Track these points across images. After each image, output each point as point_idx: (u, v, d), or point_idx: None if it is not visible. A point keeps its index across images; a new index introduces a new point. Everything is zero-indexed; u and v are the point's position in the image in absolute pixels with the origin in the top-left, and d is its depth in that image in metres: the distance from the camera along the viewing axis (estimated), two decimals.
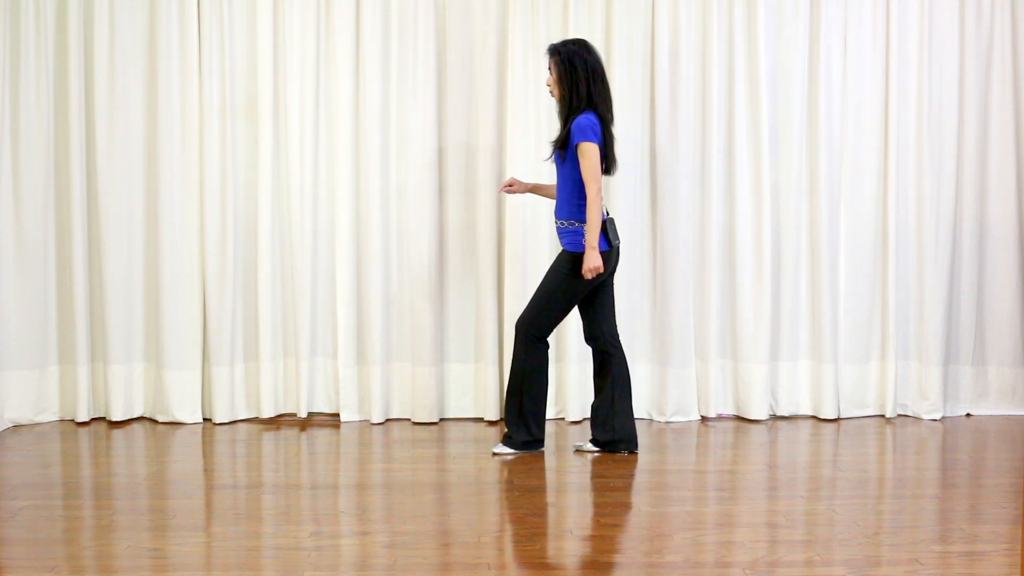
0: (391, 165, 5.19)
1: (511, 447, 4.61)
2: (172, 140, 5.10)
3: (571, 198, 4.45)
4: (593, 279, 4.42)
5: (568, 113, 4.44)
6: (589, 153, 4.35)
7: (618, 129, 5.13)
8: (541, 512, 3.84)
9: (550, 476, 4.34)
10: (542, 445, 4.66)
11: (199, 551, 3.39)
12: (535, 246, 5.18)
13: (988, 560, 3.32)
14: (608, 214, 4.51)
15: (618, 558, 3.35)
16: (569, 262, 4.45)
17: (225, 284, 5.14)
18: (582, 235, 4.40)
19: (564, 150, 4.42)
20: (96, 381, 5.20)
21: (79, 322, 5.09)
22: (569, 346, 5.17)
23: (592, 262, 4.34)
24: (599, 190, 4.34)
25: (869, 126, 5.29)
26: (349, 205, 5.16)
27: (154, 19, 5.09)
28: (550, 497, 4.05)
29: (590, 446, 4.65)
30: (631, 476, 4.30)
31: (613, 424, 4.59)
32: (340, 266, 5.17)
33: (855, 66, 5.28)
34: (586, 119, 4.37)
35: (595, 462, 4.53)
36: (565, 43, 4.49)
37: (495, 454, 4.61)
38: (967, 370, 5.42)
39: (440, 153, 5.19)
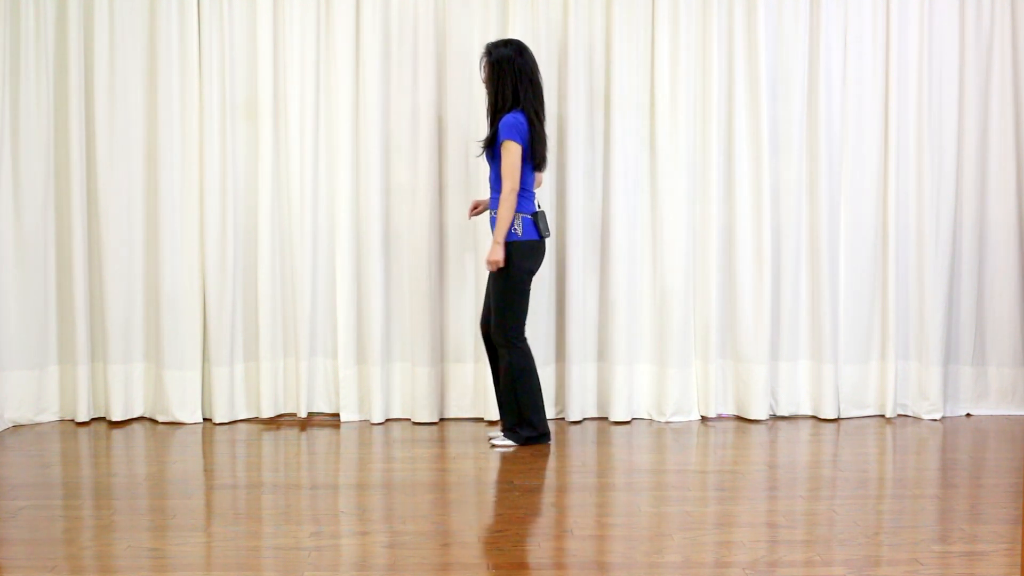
0: (391, 165, 5.19)
1: (516, 441, 4.70)
2: (172, 140, 5.10)
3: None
4: (530, 267, 4.63)
5: (494, 113, 4.65)
6: (510, 151, 4.55)
7: (618, 129, 5.16)
8: (541, 512, 3.84)
9: (550, 476, 4.34)
10: (549, 437, 4.75)
11: (199, 551, 3.39)
12: None
13: (988, 560, 3.32)
14: (540, 207, 4.70)
15: (618, 558, 3.35)
16: (507, 255, 4.60)
17: (225, 284, 5.14)
18: (512, 226, 4.59)
19: (492, 148, 4.62)
20: (96, 381, 5.20)
21: (79, 322, 5.09)
22: (569, 346, 5.17)
23: (494, 255, 4.57)
24: (513, 189, 4.54)
25: (869, 126, 5.29)
26: (349, 205, 5.16)
27: (154, 19, 5.09)
28: (550, 497, 4.05)
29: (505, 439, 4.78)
30: (632, 476, 4.30)
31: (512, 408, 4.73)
32: (340, 266, 5.17)
33: (855, 66, 5.28)
34: (512, 118, 4.57)
35: (595, 463, 4.53)
36: (497, 45, 4.67)
37: (494, 446, 4.68)
38: (967, 370, 5.42)
39: (440, 152, 5.19)
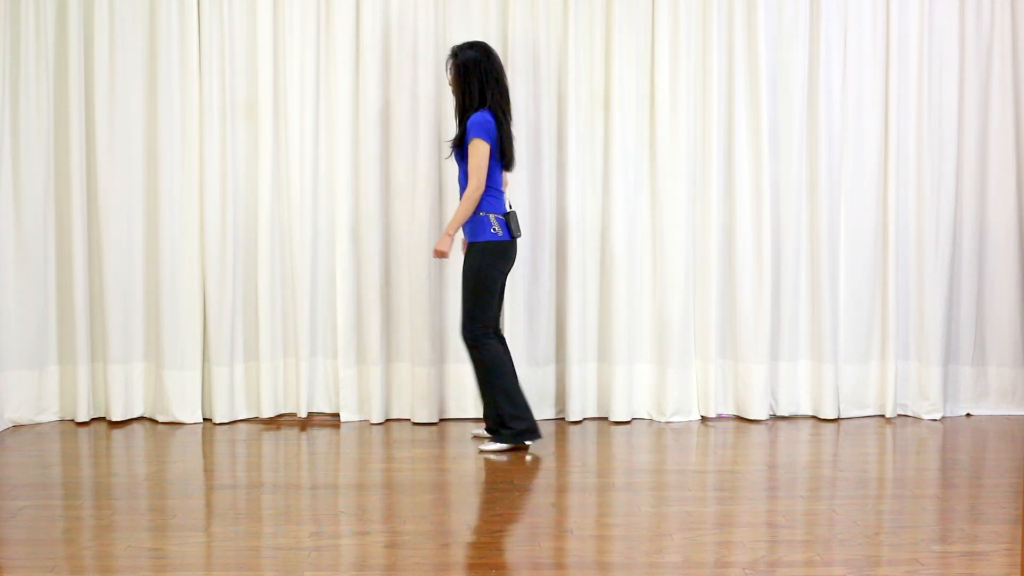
0: (391, 165, 5.19)
1: (502, 442, 4.67)
2: (172, 140, 5.11)
3: None
4: (503, 267, 4.64)
5: (462, 113, 4.69)
6: (478, 149, 4.58)
7: (618, 129, 5.16)
8: (541, 512, 3.84)
9: (550, 476, 4.34)
10: (537, 433, 4.71)
11: (199, 551, 3.39)
12: (535, 245, 5.18)
13: (988, 560, 3.32)
14: (511, 207, 4.72)
15: (618, 558, 3.35)
16: (478, 253, 4.61)
17: (225, 284, 5.14)
18: (483, 225, 4.60)
19: (461, 148, 4.65)
20: (96, 381, 5.21)
21: (79, 322, 5.09)
22: (569, 346, 5.17)
23: (441, 246, 4.58)
24: (478, 187, 4.57)
25: (869, 126, 5.29)
26: (349, 205, 5.17)
27: (154, 19, 5.09)
28: (550, 497, 4.05)
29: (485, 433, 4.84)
30: (632, 476, 4.30)
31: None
32: (340, 266, 5.17)
33: (855, 66, 5.28)
34: (480, 117, 4.60)
35: (595, 463, 4.53)
36: (463, 47, 4.71)
37: (481, 451, 4.67)
38: (967, 370, 5.42)
39: (440, 152, 5.19)
